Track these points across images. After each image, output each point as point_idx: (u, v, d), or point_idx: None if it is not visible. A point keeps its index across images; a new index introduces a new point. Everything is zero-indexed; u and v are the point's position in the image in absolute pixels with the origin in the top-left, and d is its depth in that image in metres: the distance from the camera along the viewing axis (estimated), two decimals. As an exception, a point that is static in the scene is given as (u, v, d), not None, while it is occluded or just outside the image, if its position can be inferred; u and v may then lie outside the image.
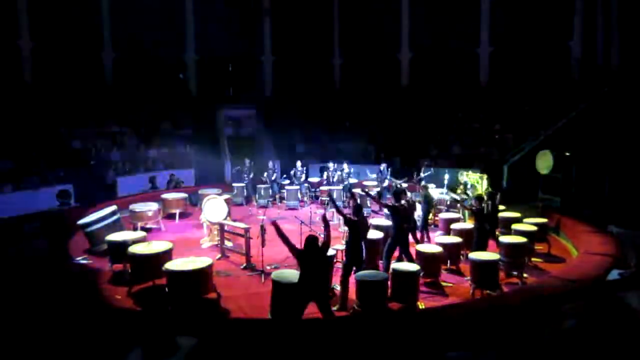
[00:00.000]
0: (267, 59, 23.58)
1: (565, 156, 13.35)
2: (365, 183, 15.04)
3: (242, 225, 9.41)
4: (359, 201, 12.83)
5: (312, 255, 5.93)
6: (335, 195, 13.47)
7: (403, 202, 8.33)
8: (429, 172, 13.78)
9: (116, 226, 9.79)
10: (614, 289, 7.18)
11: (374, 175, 14.48)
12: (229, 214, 10.42)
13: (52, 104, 17.47)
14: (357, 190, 14.00)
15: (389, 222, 8.86)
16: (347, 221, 7.30)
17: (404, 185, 13.85)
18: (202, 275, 7.07)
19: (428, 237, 9.98)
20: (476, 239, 8.49)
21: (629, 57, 17.06)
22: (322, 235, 8.80)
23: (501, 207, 10.47)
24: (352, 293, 7.07)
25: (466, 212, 10.64)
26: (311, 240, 5.97)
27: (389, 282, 7.00)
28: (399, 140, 20.19)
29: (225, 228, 9.69)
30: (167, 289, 7.11)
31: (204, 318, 6.72)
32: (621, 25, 17.45)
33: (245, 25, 22.58)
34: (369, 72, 23.14)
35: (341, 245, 8.03)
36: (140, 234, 9.16)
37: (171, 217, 12.78)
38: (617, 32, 17.49)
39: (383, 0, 22.70)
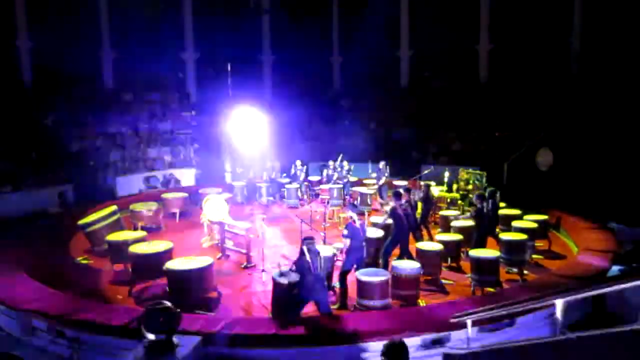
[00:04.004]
0: (266, 58, 23.55)
1: (565, 153, 13.36)
2: (365, 181, 15.05)
3: (242, 224, 9.41)
4: (358, 200, 12.99)
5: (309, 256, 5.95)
6: (335, 194, 13.48)
7: (403, 201, 8.32)
8: (429, 170, 13.76)
9: (116, 226, 9.79)
10: (615, 285, 7.18)
11: (374, 174, 14.47)
12: (229, 213, 10.42)
13: (52, 104, 17.44)
14: (357, 189, 14.06)
15: (389, 220, 8.83)
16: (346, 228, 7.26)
17: (404, 183, 13.88)
18: (202, 275, 7.08)
19: (430, 235, 9.94)
20: (476, 237, 8.48)
21: (628, 53, 17.04)
22: (323, 235, 8.83)
23: (501, 204, 10.46)
24: (352, 292, 7.07)
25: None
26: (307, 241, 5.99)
27: (389, 281, 7.00)
28: (399, 139, 20.17)
29: (226, 227, 9.68)
30: (167, 289, 7.11)
31: (205, 317, 6.72)
32: (620, 21, 17.42)
33: (244, 24, 22.54)
34: (369, 70, 23.10)
35: (342, 244, 8.03)
36: (140, 233, 9.16)
37: (171, 216, 12.77)
38: (616, 28, 17.46)
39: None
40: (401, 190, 8.72)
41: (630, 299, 6.32)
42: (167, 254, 7.79)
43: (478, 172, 12.64)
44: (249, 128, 21.18)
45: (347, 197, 14.09)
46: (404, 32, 22.68)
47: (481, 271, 7.52)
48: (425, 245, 8.42)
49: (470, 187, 12.14)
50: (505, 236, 8.56)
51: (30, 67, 18.64)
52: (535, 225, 9.48)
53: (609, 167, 13.39)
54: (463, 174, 12.86)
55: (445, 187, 12.77)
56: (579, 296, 3.78)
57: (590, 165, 13.57)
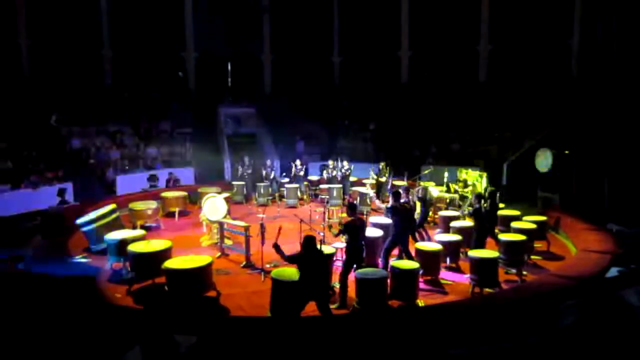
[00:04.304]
0: (266, 56, 23.56)
1: (565, 154, 13.36)
2: (364, 181, 15.06)
3: (241, 223, 9.41)
4: (358, 200, 13.00)
5: (310, 255, 5.94)
6: (334, 194, 13.50)
7: (403, 201, 8.33)
8: (428, 170, 13.76)
9: (115, 225, 9.79)
10: (613, 286, 7.20)
11: (373, 173, 14.48)
12: (228, 212, 10.42)
13: (51, 102, 17.43)
14: (357, 189, 14.09)
15: (388, 221, 8.85)
16: (345, 225, 7.26)
17: (404, 183, 13.89)
18: (201, 274, 7.07)
19: (427, 235, 9.97)
20: (475, 237, 8.49)
21: (628, 54, 17.04)
22: (321, 234, 8.84)
23: (500, 205, 10.47)
24: (351, 291, 7.07)
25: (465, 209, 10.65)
26: (309, 240, 5.98)
27: (388, 280, 7.01)
28: (399, 138, 20.18)
29: (225, 226, 9.69)
30: (166, 288, 7.11)
31: (204, 316, 6.72)
32: (620, 21, 17.43)
33: (244, 22, 22.53)
34: (369, 69, 23.11)
35: (341, 244, 8.03)
36: (139, 232, 9.16)
37: (171, 215, 12.77)
38: (616, 28, 17.46)
39: (383, -3, 22.66)
40: (400, 190, 8.72)
41: (629, 300, 6.33)
42: (166, 253, 7.79)
43: (478, 172, 12.65)
44: (248, 127, 21.31)
45: (347, 197, 14.11)
46: (404, 32, 22.68)
47: (480, 272, 7.54)
48: (425, 245, 8.44)
49: (469, 188, 12.14)
50: (504, 237, 8.57)
51: (29, 65, 18.62)
52: (534, 226, 9.49)
53: (608, 168, 13.39)
54: (462, 174, 12.87)
55: (444, 188, 12.78)
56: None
57: (590, 166, 13.57)
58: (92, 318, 6.02)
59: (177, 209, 12.84)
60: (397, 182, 14.04)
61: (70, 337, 5.39)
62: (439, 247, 8.30)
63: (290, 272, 6.59)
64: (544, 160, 13.38)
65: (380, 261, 8.11)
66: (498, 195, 9.38)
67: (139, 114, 19.37)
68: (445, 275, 8.40)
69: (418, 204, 10.11)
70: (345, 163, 14.78)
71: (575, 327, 5.44)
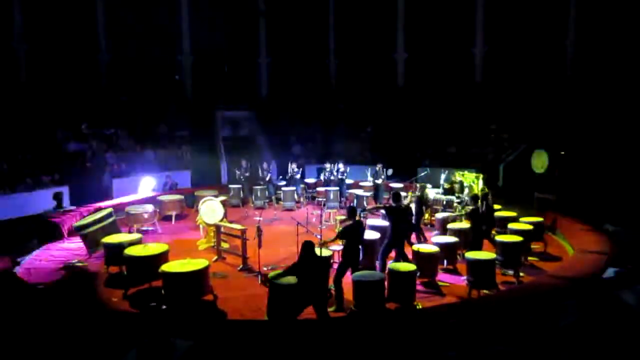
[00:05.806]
0: (262, 59, 23.57)
1: (560, 155, 13.42)
2: (361, 183, 15.07)
3: (238, 226, 9.40)
4: (355, 202, 13.00)
5: (309, 260, 5.94)
6: (331, 196, 13.51)
7: (400, 203, 8.32)
8: (424, 172, 13.79)
9: (112, 228, 9.76)
10: (610, 286, 7.22)
11: (371, 177, 14.50)
12: (225, 215, 10.40)
13: (47, 105, 17.37)
14: (353, 191, 14.10)
15: (385, 223, 8.85)
16: (344, 229, 7.29)
17: (400, 185, 13.93)
18: (198, 277, 7.05)
19: (424, 237, 9.98)
20: (472, 239, 8.50)
21: (623, 56, 17.14)
22: (318, 237, 8.83)
23: (496, 206, 10.49)
24: (349, 294, 7.06)
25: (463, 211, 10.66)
26: (307, 246, 5.98)
27: (385, 283, 7.00)
28: (395, 140, 20.21)
29: (222, 230, 9.67)
30: (163, 291, 7.08)
31: (201, 320, 6.70)
32: (614, 24, 17.54)
33: (240, 26, 22.56)
34: (365, 72, 23.14)
35: (338, 246, 8.03)
36: (136, 236, 9.13)
37: (167, 219, 12.74)
38: (610, 30, 17.57)
39: (378, 0, 22.69)
40: (400, 192, 8.71)
41: (627, 301, 6.35)
42: (163, 257, 7.77)
43: (474, 174, 12.67)
44: (245, 130, 21.30)
45: (343, 199, 14.12)
46: (400, 35, 22.73)
47: (477, 273, 7.54)
48: (422, 247, 8.44)
49: (465, 189, 12.16)
50: (501, 238, 8.58)
51: (25, 68, 18.56)
52: (531, 227, 9.51)
53: (604, 168, 13.46)
54: (457, 175, 12.90)
55: (440, 190, 12.80)
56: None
57: (586, 167, 13.63)
58: (89, 322, 6.00)
59: (173, 213, 12.80)
60: (394, 185, 14.10)
61: (66, 341, 5.37)
62: (436, 249, 8.31)
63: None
64: (540, 161, 13.43)
65: (377, 264, 8.10)
66: (490, 196, 9.38)
67: (135, 117, 19.32)
68: (443, 277, 8.40)
69: (413, 205, 10.12)
70: (341, 165, 14.78)
71: (574, 327, 5.45)
